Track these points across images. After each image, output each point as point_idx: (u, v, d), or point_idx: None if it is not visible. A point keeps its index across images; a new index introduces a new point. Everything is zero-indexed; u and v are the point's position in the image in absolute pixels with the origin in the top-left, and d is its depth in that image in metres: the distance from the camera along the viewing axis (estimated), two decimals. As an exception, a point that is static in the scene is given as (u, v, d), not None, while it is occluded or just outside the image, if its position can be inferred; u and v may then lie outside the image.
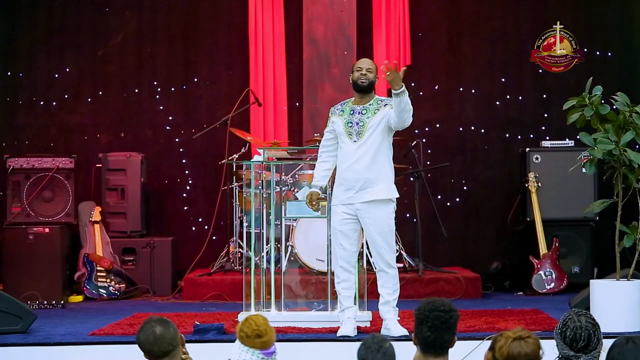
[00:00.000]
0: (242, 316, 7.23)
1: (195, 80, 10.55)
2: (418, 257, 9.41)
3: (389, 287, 6.83)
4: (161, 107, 10.55)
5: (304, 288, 8.05)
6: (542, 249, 9.50)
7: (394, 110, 6.61)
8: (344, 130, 6.80)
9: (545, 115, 10.49)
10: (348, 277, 6.85)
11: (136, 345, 4.45)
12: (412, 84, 10.50)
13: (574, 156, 8.10)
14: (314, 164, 8.89)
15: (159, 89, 10.54)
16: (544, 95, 10.51)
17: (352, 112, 6.83)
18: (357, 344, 4.23)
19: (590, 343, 4.24)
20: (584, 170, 7.31)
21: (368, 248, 7.01)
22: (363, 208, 6.75)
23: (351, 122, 6.79)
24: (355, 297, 6.96)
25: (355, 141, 6.75)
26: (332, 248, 6.94)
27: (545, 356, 4.38)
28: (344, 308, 6.85)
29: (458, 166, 10.52)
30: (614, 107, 7.03)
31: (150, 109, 10.55)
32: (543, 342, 4.14)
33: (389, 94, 7.02)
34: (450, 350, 4.31)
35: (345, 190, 6.78)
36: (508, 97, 10.55)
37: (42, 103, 10.49)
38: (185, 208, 10.50)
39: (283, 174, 8.62)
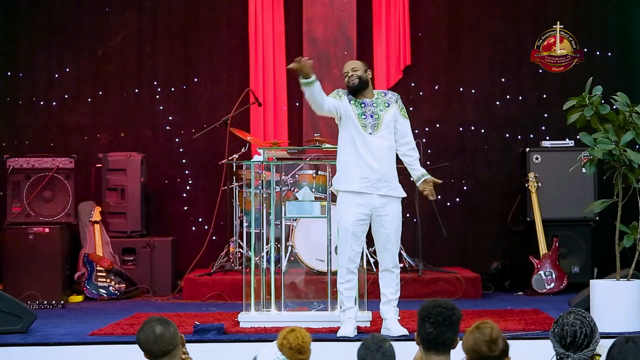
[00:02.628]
0: (242, 316, 7.24)
1: (195, 80, 10.55)
2: (418, 257, 9.42)
3: (392, 286, 6.84)
4: (161, 107, 10.55)
5: (304, 288, 8.05)
6: (542, 249, 9.50)
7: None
8: (357, 121, 6.74)
9: (545, 115, 10.48)
10: (352, 277, 6.84)
11: (136, 345, 4.45)
12: (412, 84, 10.52)
13: (574, 156, 8.11)
14: (314, 164, 8.96)
15: (159, 89, 10.54)
16: (544, 95, 10.51)
17: (362, 104, 6.80)
18: (357, 344, 4.23)
19: (576, 339, 4.24)
20: (584, 170, 7.31)
21: (369, 247, 7.01)
22: (380, 205, 6.74)
23: (365, 114, 6.76)
24: (355, 297, 6.96)
25: (370, 134, 6.73)
26: (340, 248, 6.87)
27: (546, 356, 4.39)
28: (345, 308, 6.85)
29: (458, 166, 10.51)
30: (614, 107, 7.04)
31: (150, 109, 10.55)
32: (543, 342, 4.16)
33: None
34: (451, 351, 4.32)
35: (361, 178, 6.70)
36: (508, 97, 10.55)
37: (42, 103, 10.49)
38: (185, 208, 10.50)
39: (283, 174, 8.61)
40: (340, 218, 6.83)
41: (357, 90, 6.84)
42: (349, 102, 6.82)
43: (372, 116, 6.76)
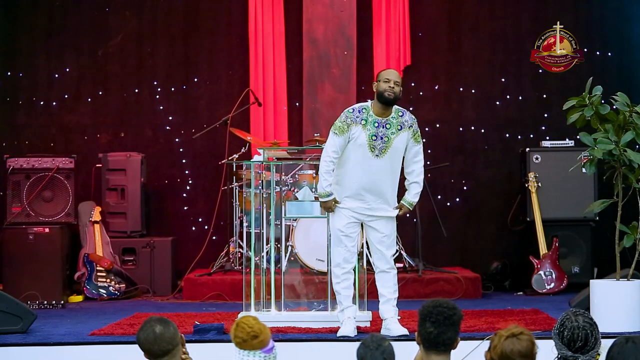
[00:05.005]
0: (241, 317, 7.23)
1: (195, 80, 10.55)
2: (418, 257, 9.41)
3: (389, 286, 6.84)
4: (161, 107, 10.56)
5: (304, 288, 8.05)
6: (542, 249, 9.50)
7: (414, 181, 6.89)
8: (366, 143, 6.67)
9: (545, 115, 10.49)
10: (347, 276, 6.84)
11: (136, 345, 4.45)
12: (412, 84, 10.52)
13: (574, 156, 8.11)
14: (314, 164, 8.94)
15: (159, 89, 10.54)
16: (544, 95, 10.52)
17: (376, 124, 6.69)
18: (357, 344, 4.23)
19: (587, 343, 4.24)
20: (584, 170, 7.31)
21: (368, 248, 7.00)
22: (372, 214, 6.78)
23: (375, 136, 6.68)
24: (355, 297, 6.96)
25: (377, 156, 6.69)
26: (334, 249, 6.87)
27: (545, 356, 4.38)
28: (343, 308, 6.85)
29: (458, 166, 10.52)
30: (614, 107, 7.04)
31: (150, 109, 10.55)
32: (543, 342, 4.14)
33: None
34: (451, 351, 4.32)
35: (358, 200, 6.72)
36: (508, 97, 10.55)
37: (42, 103, 10.49)
38: (185, 208, 10.50)
39: (283, 174, 8.62)
40: (333, 221, 6.86)
41: (386, 103, 6.73)
42: (361, 123, 6.68)
43: (382, 138, 6.69)
